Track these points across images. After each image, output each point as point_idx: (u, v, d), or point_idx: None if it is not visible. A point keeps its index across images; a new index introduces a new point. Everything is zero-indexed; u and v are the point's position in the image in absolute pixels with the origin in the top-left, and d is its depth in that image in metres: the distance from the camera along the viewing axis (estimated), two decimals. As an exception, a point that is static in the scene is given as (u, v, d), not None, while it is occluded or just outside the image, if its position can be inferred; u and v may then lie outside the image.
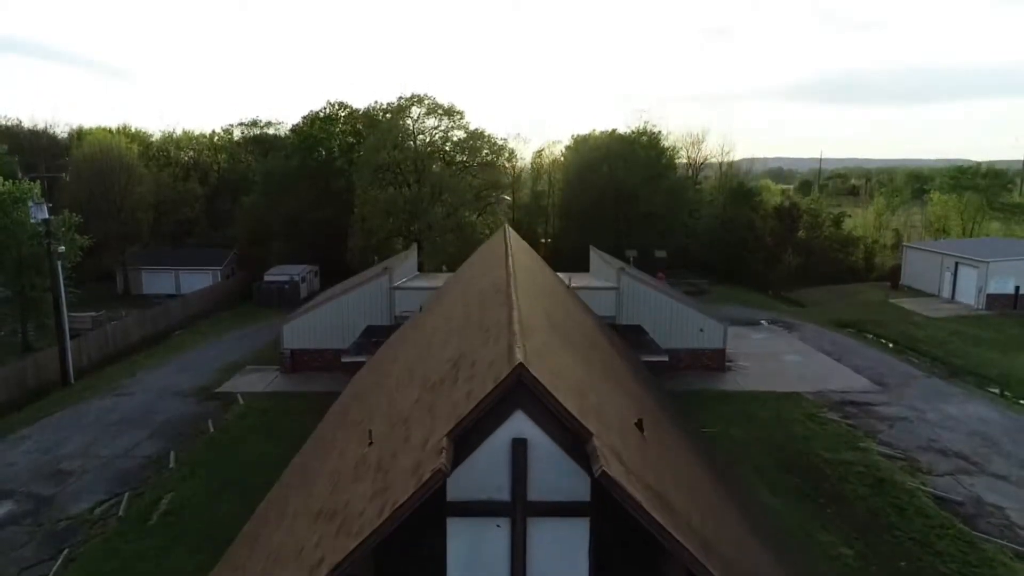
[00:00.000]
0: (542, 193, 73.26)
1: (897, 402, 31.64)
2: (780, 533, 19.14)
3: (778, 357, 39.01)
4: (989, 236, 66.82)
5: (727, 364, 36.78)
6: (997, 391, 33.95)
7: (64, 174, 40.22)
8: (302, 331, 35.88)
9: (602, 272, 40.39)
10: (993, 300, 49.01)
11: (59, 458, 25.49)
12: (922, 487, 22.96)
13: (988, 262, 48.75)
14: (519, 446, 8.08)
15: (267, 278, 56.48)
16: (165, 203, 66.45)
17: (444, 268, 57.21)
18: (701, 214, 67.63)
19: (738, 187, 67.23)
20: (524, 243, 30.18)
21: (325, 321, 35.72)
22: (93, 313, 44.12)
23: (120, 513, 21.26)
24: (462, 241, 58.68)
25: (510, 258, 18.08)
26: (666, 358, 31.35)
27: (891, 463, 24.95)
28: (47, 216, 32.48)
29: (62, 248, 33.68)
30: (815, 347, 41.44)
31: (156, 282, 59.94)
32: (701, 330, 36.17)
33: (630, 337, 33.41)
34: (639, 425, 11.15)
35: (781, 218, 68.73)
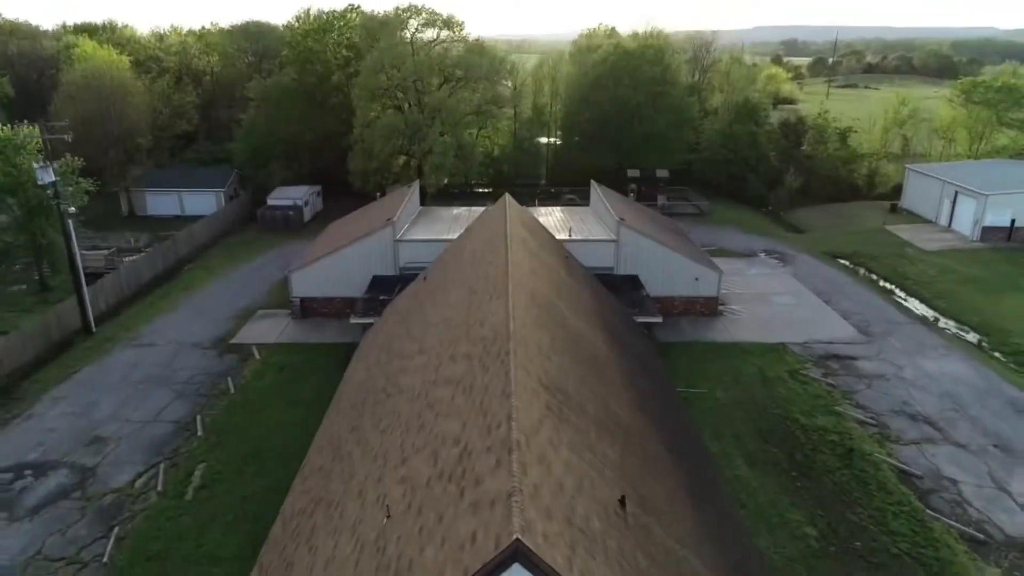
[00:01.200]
0: (544, 107, 71.80)
1: (878, 356, 33.37)
2: (754, 520, 21.39)
3: (770, 299, 40.40)
4: (996, 153, 66.24)
5: (720, 308, 38.26)
6: (976, 341, 35.61)
7: (66, 125, 39.62)
8: (310, 280, 37.14)
9: (601, 213, 40.91)
10: (988, 232, 49.70)
11: (94, 423, 27.60)
12: (887, 459, 25.06)
13: (987, 195, 48.98)
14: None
15: (270, 202, 56.97)
16: (162, 117, 65.57)
17: (445, 181, 57.58)
18: (705, 130, 66.68)
19: (743, 103, 65.81)
20: (523, 216, 30.66)
21: (332, 271, 36.87)
22: (105, 251, 45.15)
23: (159, 487, 23.53)
24: (462, 160, 58.61)
25: (509, 282, 18.99)
26: (659, 319, 32.80)
27: (863, 430, 26.98)
28: (53, 179, 32.80)
29: (72, 209, 34.22)
30: (807, 286, 42.75)
31: (160, 203, 60.42)
32: (696, 279, 37.34)
33: (626, 292, 34.73)
34: (622, 502, 12.72)
35: (786, 134, 67.89)
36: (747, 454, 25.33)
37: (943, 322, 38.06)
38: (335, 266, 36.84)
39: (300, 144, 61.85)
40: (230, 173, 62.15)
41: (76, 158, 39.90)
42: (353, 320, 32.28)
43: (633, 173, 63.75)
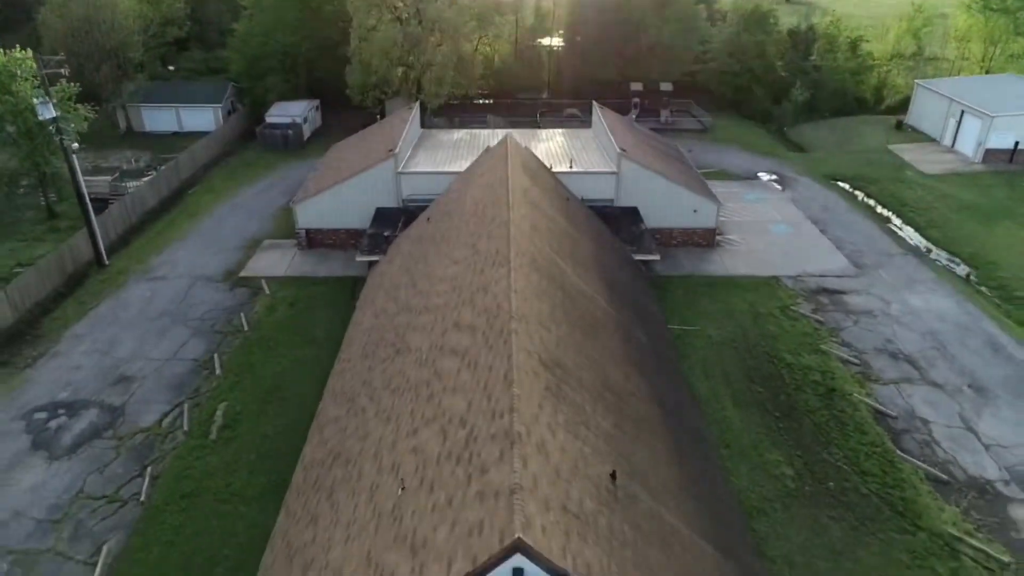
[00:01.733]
0: (547, 13, 69.16)
1: (867, 290, 34.49)
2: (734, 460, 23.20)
3: (767, 228, 41.03)
4: (1009, 62, 64.57)
5: (717, 239, 39.01)
6: (965, 274, 36.61)
7: (62, 59, 38.69)
8: (314, 211, 37.69)
9: (603, 140, 40.78)
10: (991, 154, 49.51)
11: (117, 361, 29.12)
12: (866, 399, 26.70)
13: (993, 116, 48.43)
14: (518, 573, 11.16)
15: (269, 120, 56.35)
16: (152, 26, 63.41)
17: (444, 99, 56.78)
18: (712, 40, 64.64)
19: (753, 10, 63.36)
20: (525, 159, 30.69)
21: (335, 203, 37.34)
22: (108, 177, 45.29)
23: (185, 427, 25.28)
24: (462, 73, 57.43)
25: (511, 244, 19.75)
26: (657, 257, 33.63)
27: (846, 369, 28.49)
28: (54, 115, 32.63)
29: (76, 145, 34.24)
30: (805, 213, 43.27)
31: (157, 119, 59.73)
32: (695, 211, 37.87)
33: (625, 226, 35.40)
34: (612, 476, 14.17)
35: (795, 44, 65.86)
36: (734, 394, 26.93)
37: (935, 253, 38.93)
38: (338, 198, 37.27)
39: (297, 55, 60.25)
40: (227, 87, 60.97)
41: (73, 84, 39.39)
42: (359, 258, 33.16)
43: (636, 87, 62.53)
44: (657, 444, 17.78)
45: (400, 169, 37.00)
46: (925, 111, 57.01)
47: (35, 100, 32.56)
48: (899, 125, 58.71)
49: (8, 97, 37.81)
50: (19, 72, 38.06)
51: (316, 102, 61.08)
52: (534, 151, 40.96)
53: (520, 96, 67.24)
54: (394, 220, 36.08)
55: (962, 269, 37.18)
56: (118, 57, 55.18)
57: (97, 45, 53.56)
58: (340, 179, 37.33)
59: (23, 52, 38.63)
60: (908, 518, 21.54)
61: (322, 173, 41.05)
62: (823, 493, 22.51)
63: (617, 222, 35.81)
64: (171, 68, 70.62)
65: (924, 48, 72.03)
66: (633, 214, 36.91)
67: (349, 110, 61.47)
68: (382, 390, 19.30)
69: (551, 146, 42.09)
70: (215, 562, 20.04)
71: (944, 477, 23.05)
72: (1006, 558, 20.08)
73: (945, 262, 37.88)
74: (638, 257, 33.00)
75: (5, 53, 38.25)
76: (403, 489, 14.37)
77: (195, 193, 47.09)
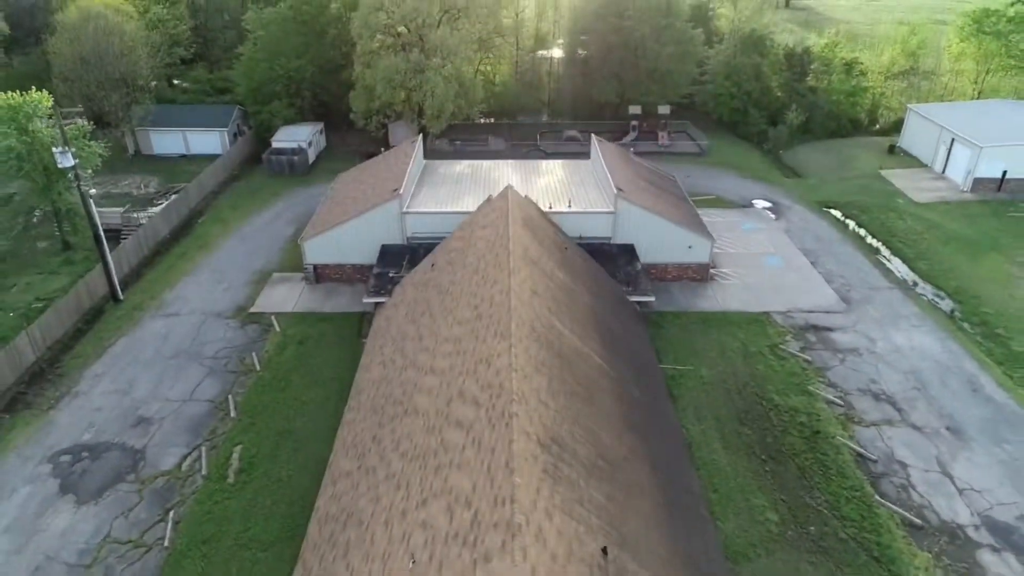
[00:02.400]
0: (547, 35, 70.38)
1: (854, 327, 35.90)
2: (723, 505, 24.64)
3: (759, 261, 42.39)
4: (1002, 89, 65.89)
5: (711, 272, 40.37)
6: (949, 310, 37.98)
7: (80, 111, 40.14)
8: (321, 248, 39.08)
9: (600, 177, 42.06)
10: (979, 183, 50.84)
11: (136, 402, 30.57)
12: (848, 442, 28.12)
13: (982, 147, 49.74)
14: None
15: (275, 145, 57.69)
16: (160, 52, 64.68)
17: (446, 127, 58.12)
18: (710, 59, 65.88)
19: (749, 34, 64.56)
20: (525, 212, 31.96)
21: (342, 240, 38.73)
22: (120, 209, 46.67)
23: (203, 471, 26.74)
24: (463, 96, 58.73)
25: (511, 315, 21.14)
26: (652, 298, 35.01)
27: (830, 411, 29.92)
28: (72, 163, 34.00)
29: (93, 191, 35.62)
30: (797, 244, 44.66)
31: (165, 142, 61.08)
32: (689, 247, 39.24)
33: (621, 265, 36.79)
34: (604, 552, 15.61)
35: (791, 65, 67.11)
36: (724, 437, 28.35)
37: (921, 287, 40.27)
38: (345, 235, 38.65)
39: (301, 79, 61.55)
40: (232, 110, 62.30)
41: (88, 123, 40.77)
42: (366, 299, 34.56)
43: (635, 109, 63.86)
44: (647, 507, 19.21)
45: (405, 209, 38.38)
46: (917, 136, 58.32)
47: (55, 150, 33.88)
48: (891, 149, 60.02)
49: (25, 138, 39.21)
50: (37, 112, 39.48)
51: (320, 125, 62.46)
52: (535, 185, 42.49)
53: (520, 118, 68.54)
54: (399, 257, 37.50)
55: (947, 304, 38.54)
56: (127, 84, 56.47)
57: (106, 73, 54.83)
58: (347, 217, 38.69)
59: (40, 93, 40.03)
60: (883, 563, 23.01)
61: (328, 208, 42.40)
62: (804, 538, 23.96)
63: (614, 260, 37.22)
64: (176, 83, 71.99)
65: (919, 66, 73.24)
66: (629, 251, 38.29)
67: (353, 132, 62.90)
68: (391, 452, 20.73)
69: (551, 181, 43.44)
70: (236, 609, 21.52)
71: (918, 522, 24.50)
72: (973, 605, 21.55)
73: (931, 296, 39.25)
74: (633, 299, 34.39)
75: (22, 94, 39.63)
76: (414, 563, 15.80)
77: (204, 223, 48.46)
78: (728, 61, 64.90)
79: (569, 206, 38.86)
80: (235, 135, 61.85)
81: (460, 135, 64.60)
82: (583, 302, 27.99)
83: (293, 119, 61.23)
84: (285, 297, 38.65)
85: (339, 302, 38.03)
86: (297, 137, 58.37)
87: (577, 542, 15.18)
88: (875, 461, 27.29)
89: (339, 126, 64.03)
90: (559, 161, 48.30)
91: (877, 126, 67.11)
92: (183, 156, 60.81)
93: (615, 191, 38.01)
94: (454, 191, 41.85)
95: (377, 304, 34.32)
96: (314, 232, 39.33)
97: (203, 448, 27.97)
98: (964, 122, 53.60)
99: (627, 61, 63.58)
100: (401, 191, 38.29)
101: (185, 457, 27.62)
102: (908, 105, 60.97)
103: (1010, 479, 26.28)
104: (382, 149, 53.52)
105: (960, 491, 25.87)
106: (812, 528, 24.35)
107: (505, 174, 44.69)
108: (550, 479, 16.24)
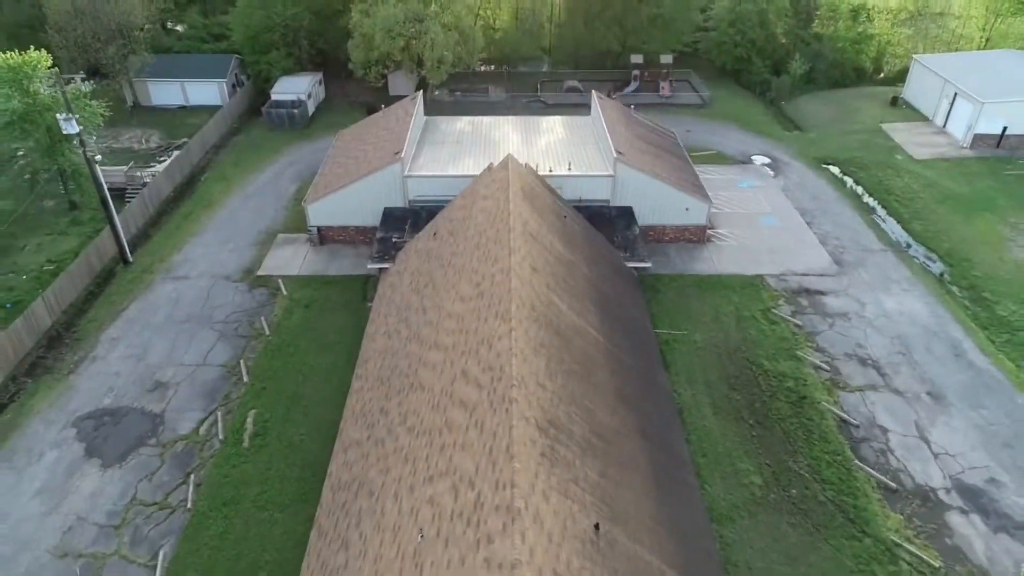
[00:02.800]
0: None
1: (845, 291, 36.88)
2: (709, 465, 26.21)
3: (756, 221, 43.01)
4: (1010, 36, 64.82)
5: (708, 233, 41.08)
6: (939, 273, 38.85)
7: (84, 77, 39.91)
8: (324, 211, 39.69)
9: (600, 137, 42.25)
10: (979, 139, 50.86)
11: (152, 367, 31.87)
12: (832, 407, 29.51)
13: (983, 102, 49.55)
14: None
15: (274, 97, 57.38)
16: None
17: (446, 78, 57.72)
18: (714, 8, 64.61)
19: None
20: (524, 183, 32.31)
21: (345, 203, 39.30)
22: (124, 168, 46.91)
23: (219, 435, 28.24)
24: (463, 45, 58.10)
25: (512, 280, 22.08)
26: (649, 264, 35.83)
27: (817, 376, 31.22)
28: (77, 130, 34.24)
29: (99, 157, 35.94)
30: (794, 203, 45.18)
31: (163, 93, 60.74)
32: (687, 209, 39.84)
33: (620, 229, 37.50)
34: (596, 527, 17.06)
35: (797, 11, 65.83)
36: (714, 403, 29.73)
37: (914, 249, 41.04)
38: (347, 198, 39.19)
39: (299, 27, 60.56)
40: (230, 60, 61.60)
41: (86, 77, 40.65)
42: (370, 266, 35.43)
43: (636, 59, 63.13)
44: (638, 479, 20.65)
45: (406, 172, 38.79)
46: (920, 88, 57.86)
47: (59, 116, 34.09)
48: (895, 101, 59.60)
49: (28, 99, 39.24)
50: (36, 72, 39.37)
51: (319, 75, 61.90)
52: (535, 145, 42.76)
53: (521, 67, 67.72)
54: (402, 221, 38.18)
55: (938, 267, 39.39)
56: (123, 35, 55.70)
57: (102, 24, 54.06)
58: (349, 180, 39.14)
59: (38, 53, 39.83)
60: (857, 525, 24.68)
61: (330, 168, 42.74)
62: (785, 501, 25.59)
63: (612, 223, 37.91)
64: (171, 27, 70.77)
65: (928, 9, 71.69)
66: (628, 214, 38.92)
67: (352, 81, 62.41)
68: (399, 426, 22.07)
69: (551, 140, 43.62)
70: (258, 566, 23.29)
71: (893, 485, 26.08)
72: (937, 563, 23.30)
73: (923, 259, 40.05)
74: (631, 264, 35.25)
75: (20, 53, 39.44)
76: (422, 537, 17.28)
77: (207, 181, 48.81)
78: (732, 7, 63.67)
79: (569, 169, 39.26)
80: (233, 86, 61.37)
81: (460, 85, 64.05)
82: (581, 273, 28.90)
83: (291, 69, 60.63)
84: (290, 259, 39.51)
85: (343, 264, 38.91)
86: (296, 88, 57.98)
87: (571, 520, 16.60)
88: (857, 426, 28.73)
89: (338, 75, 63.45)
90: (559, 118, 48.23)
91: (882, 75, 66.33)
92: (182, 107, 60.58)
93: (615, 155, 38.33)
94: (455, 152, 42.14)
95: (381, 269, 35.22)
96: (317, 195, 39.85)
97: (219, 412, 29.42)
98: (968, 75, 53.13)
99: (629, 6, 62.40)
100: (402, 154, 38.63)
101: (202, 422, 29.09)
102: (913, 56, 60.21)
103: (983, 444, 27.77)
104: (382, 106, 53.20)
105: (935, 455, 27.38)
106: (794, 491, 25.95)
107: (506, 133, 44.83)
108: (547, 461, 17.55)
